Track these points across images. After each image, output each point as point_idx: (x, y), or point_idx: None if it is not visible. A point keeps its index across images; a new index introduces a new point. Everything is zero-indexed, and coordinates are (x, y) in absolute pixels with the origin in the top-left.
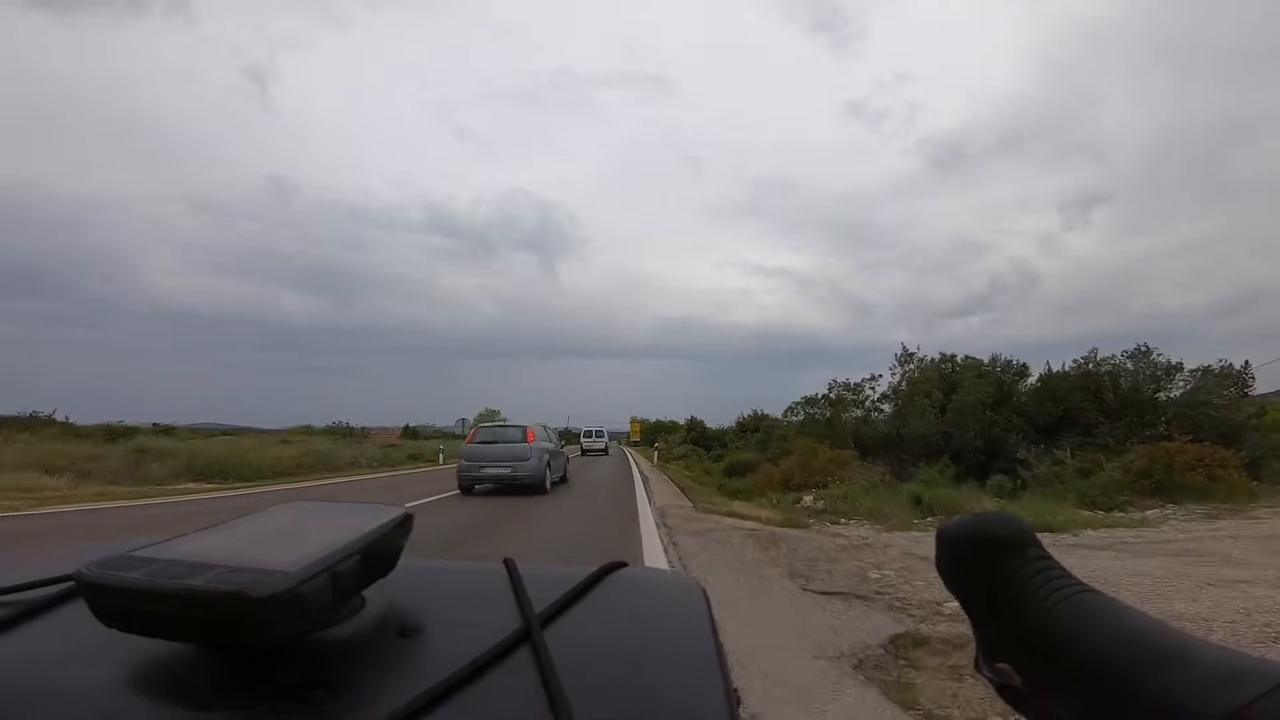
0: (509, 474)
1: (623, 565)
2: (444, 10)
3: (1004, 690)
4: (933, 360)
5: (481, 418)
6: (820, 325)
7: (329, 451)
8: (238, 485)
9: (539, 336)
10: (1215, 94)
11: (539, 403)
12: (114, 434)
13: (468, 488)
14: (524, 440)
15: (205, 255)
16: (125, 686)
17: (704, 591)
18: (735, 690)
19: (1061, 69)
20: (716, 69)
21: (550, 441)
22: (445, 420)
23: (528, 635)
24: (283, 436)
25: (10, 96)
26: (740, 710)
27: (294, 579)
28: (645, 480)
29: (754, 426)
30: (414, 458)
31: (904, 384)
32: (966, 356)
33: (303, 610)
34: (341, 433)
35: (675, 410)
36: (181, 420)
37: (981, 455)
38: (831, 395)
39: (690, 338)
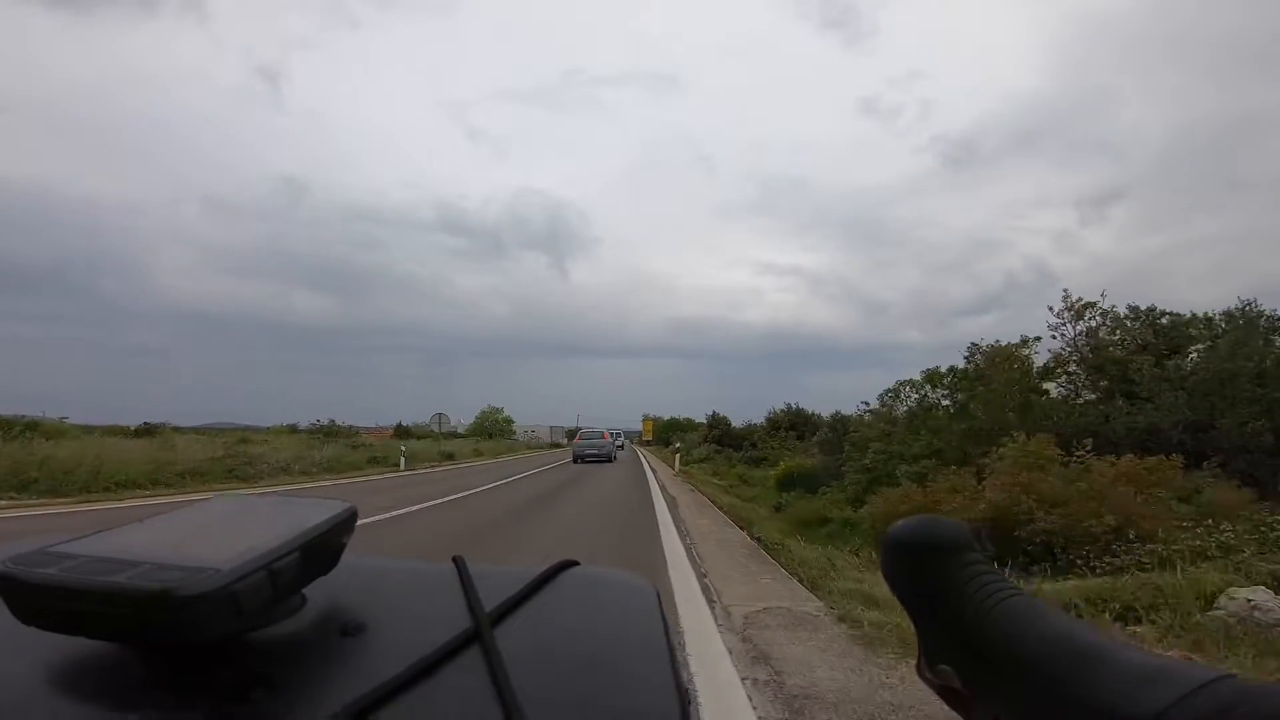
0: (596, 453)
1: (574, 564)
2: (454, 9)
3: (946, 692)
4: (1126, 314)
5: (484, 416)
6: (832, 324)
7: (259, 454)
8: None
9: (549, 336)
10: (1232, 88)
11: (548, 402)
12: None
13: (579, 459)
14: (601, 437)
15: (216, 256)
16: (51, 686)
17: (656, 591)
18: (686, 690)
19: (1076, 64)
20: (728, 67)
21: (612, 438)
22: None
23: (477, 634)
24: (243, 434)
25: (27, 96)
26: (691, 709)
27: (227, 576)
28: (672, 506)
29: (789, 423)
30: (376, 461)
31: (1087, 346)
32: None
33: (238, 609)
34: (326, 431)
35: (686, 409)
36: (188, 420)
37: (1271, 456)
38: (976, 364)
39: (701, 337)
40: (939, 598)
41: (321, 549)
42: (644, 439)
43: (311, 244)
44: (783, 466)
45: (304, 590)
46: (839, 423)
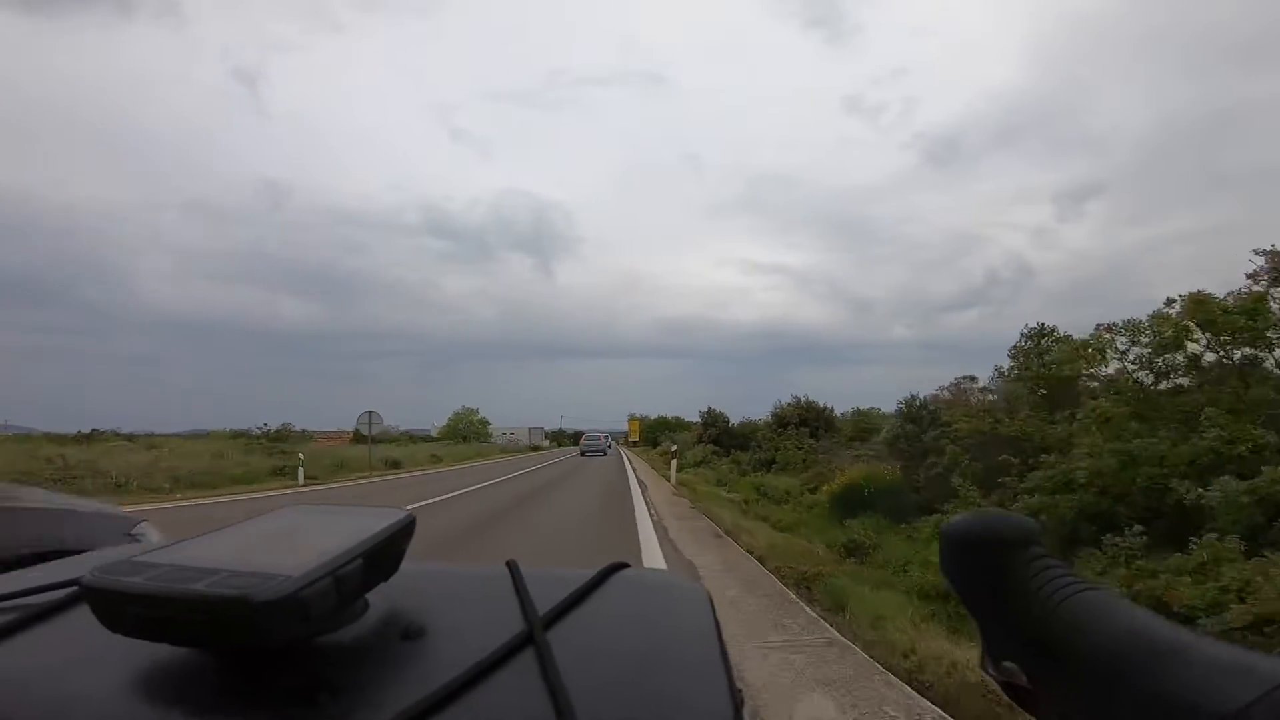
0: (595, 448)
1: (625, 566)
2: (438, 10)
3: (1010, 689)
4: None
5: (457, 419)
6: (818, 321)
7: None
8: None
9: (535, 338)
10: (1208, 82)
11: (534, 404)
12: None
13: (584, 453)
14: (599, 439)
15: (198, 261)
16: (130, 691)
17: (708, 594)
18: (740, 691)
19: (1057, 61)
20: (713, 66)
21: (607, 439)
22: (417, 422)
23: (531, 638)
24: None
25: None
26: (744, 711)
27: (297, 583)
28: (689, 573)
29: (799, 419)
30: (281, 472)
31: None
32: None
33: (306, 614)
34: (272, 437)
35: (674, 408)
36: (167, 428)
37: None
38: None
39: (689, 336)
40: (1002, 593)
41: (383, 555)
42: (630, 440)
43: (294, 248)
44: (844, 478)
45: (367, 596)
46: (922, 410)
